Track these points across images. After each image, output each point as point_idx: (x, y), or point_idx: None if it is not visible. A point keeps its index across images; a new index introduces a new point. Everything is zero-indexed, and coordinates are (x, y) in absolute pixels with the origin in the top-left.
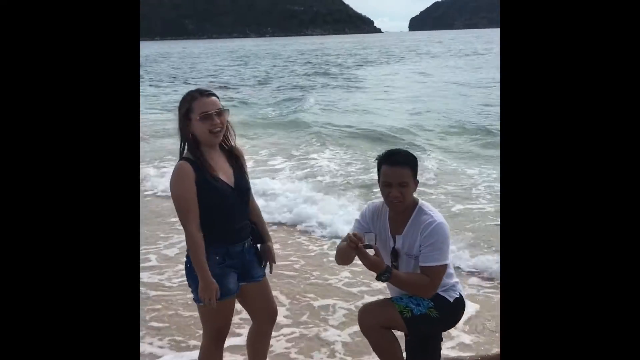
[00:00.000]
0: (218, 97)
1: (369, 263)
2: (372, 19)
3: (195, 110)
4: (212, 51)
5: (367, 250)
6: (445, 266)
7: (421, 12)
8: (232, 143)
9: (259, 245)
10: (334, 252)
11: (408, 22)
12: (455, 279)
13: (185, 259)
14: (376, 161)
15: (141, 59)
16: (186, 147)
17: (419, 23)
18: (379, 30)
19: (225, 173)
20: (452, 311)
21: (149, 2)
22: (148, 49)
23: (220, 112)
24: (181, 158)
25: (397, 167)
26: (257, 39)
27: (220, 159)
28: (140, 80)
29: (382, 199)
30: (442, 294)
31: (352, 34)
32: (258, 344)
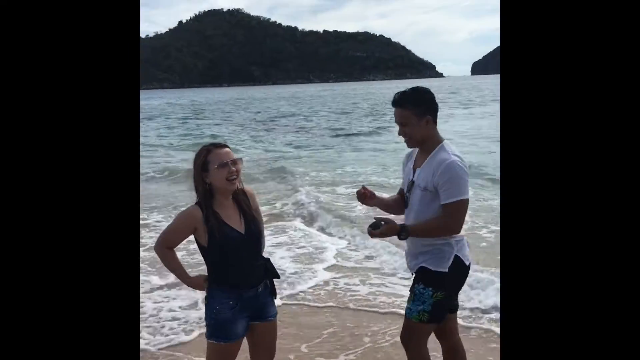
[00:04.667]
0: (230, 149)
1: (385, 234)
2: (433, 63)
3: (212, 161)
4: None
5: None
6: (462, 202)
7: (484, 56)
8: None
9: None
10: None
11: (470, 66)
12: (447, 239)
13: (205, 297)
14: None
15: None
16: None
17: (481, 67)
18: (441, 75)
19: (235, 221)
20: (453, 279)
21: (219, 50)
22: (222, 95)
23: (235, 161)
24: (195, 202)
25: (396, 107)
26: (321, 84)
27: (231, 208)
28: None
29: None
30: (433, 268)
31: (414, 79)
32: None
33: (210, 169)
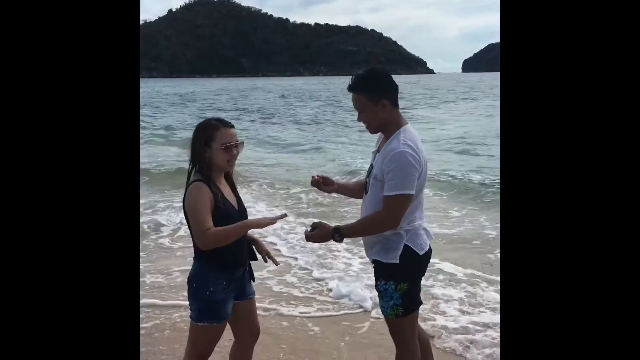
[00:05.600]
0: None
1: (319, 239)
2: (424, 59)
3: (217, 139)
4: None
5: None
6: (400, 197)
7: (475, 54)
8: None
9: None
10: None
11: (461, 64)
12: (396, 230)
13: (188, 280)
14: None
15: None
16: (195, 170)
17: (472, 64)
18: (431, 71)
19: (231, 198)
20: (408, 269)
21: (209, 40)
22: (212, 85)
23: (238, 145)
24: (195, 179)
25: (351, 92)
26: (311, 78)
27: (224, 184)
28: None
29: None
30: (384, 260)
31: (405, 74)
32: None
33: (214, 146)
